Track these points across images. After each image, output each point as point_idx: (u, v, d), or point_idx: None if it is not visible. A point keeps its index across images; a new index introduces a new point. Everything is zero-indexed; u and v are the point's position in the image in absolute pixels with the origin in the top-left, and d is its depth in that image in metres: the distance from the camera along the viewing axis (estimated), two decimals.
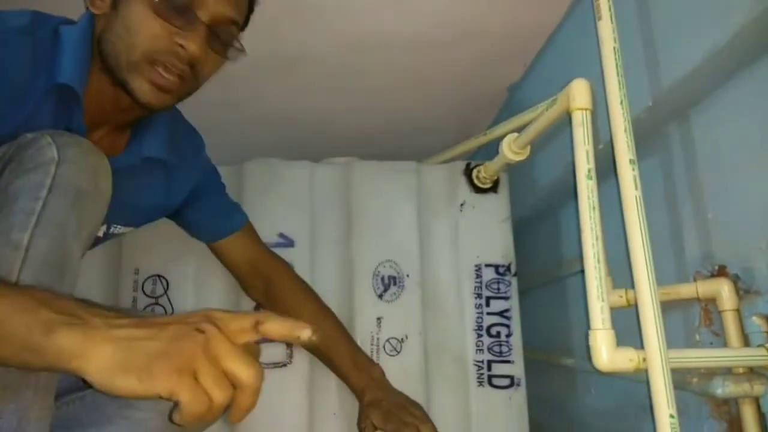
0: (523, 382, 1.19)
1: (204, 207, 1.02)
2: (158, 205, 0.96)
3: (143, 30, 0.71)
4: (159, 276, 1.17)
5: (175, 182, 0.94)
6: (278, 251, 1.18)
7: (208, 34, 0.74)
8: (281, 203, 1.23)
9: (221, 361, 0.49)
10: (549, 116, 0.94)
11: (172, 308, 1.16)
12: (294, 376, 1.14)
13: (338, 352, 1.06)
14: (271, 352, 1.14)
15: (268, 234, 1.19)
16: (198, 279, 1.18)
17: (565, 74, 0.94)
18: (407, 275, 1.21)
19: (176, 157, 0.90)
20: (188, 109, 1.45)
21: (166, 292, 1.17)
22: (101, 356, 0.47)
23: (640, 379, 0.88)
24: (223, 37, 0.77)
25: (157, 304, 1.16)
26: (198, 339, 0.49)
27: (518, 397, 1.18)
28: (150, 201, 0.92)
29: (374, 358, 1.15)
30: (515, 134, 1.10)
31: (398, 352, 1.17)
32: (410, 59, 1.28)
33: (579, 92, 0.85)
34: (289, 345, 1.15)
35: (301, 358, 1.15)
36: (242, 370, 0.49)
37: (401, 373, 1.14)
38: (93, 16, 0.76)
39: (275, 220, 1.21)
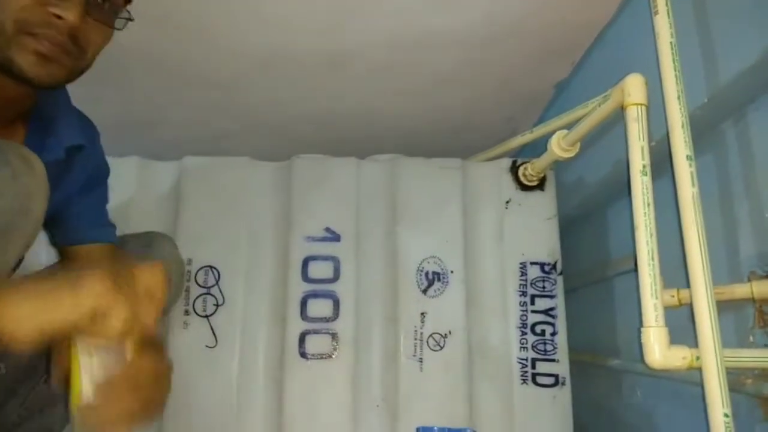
0: (568, 381, 1.18)
1: (86, 203, 0.90)
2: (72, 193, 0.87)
3: (11, 1, 0.65)
4: (211, 267, 1.20)
5: (79, 168, 0.86)
6: (324, 245, 1.20)
7: (86, 2, 0.68)
8: (328, 198, 1.25)
9: None
10: (602, 112, 0.94)
11: (223, 298, 1.19)
12: (338, 368, 1.16)
13: None
14: (315, 344, 1.16)
15: (314, 229, 1.22)
16: (248, 271, 1.21)
17: (614, 72, 0.93)
18: (451, 271, 1.22)
19: (87, 141, 0.83)
20: (240, 109, 1.51)
21: (217, 282, 1.20)
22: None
23: (688, 379, 0.87)
24: (106, 6, 0.71)
25: (208, 293, 1.19)
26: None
27: (563, 396, 1.17)
28: (70, 190, 0.86)
29: (418, 352, 1.16)
30: (564, 131, 1.10)
31: (441, 348, 1.18)
32: (457, 56, 1.29)
33: (634, 87, 0.84)
34: (334, 337, 1.17)
35: (345, 350, 1.17)
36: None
37: (444, 369, 1.16)
38: None
39: (322, 215, 1.24)
